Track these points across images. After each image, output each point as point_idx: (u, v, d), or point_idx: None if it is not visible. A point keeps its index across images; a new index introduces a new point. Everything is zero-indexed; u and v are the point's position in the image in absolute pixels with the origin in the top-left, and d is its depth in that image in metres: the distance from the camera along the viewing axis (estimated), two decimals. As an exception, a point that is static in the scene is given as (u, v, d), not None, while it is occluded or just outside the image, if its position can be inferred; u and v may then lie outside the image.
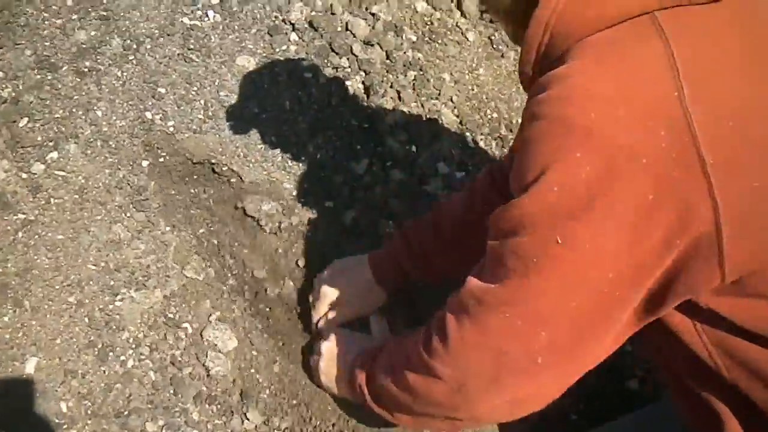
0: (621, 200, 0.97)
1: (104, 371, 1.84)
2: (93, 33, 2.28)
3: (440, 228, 1.77)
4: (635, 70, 0.99)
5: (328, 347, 1.75)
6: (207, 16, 2.36)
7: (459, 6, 2.53)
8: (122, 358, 1.87)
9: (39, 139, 2.10)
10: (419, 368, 1.28)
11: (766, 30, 1.06)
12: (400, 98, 2.30)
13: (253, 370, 1.91)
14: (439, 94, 2.34)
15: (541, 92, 1.04)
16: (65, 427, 1.75)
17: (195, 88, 2.24)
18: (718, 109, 0.97)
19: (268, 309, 2.03)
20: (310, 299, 1.93)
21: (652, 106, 0.96)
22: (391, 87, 2.31)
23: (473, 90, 2.40)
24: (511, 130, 2.34)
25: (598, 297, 1.05)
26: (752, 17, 1.07)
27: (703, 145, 0.94)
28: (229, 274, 2.06)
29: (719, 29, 1.03)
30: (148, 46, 2.29)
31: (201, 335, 1.92)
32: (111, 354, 1.87)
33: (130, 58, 2.26)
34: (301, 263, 2.07)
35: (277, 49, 2.33)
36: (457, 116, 2.33)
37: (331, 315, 1.86)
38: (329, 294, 1.87)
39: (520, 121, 2.24)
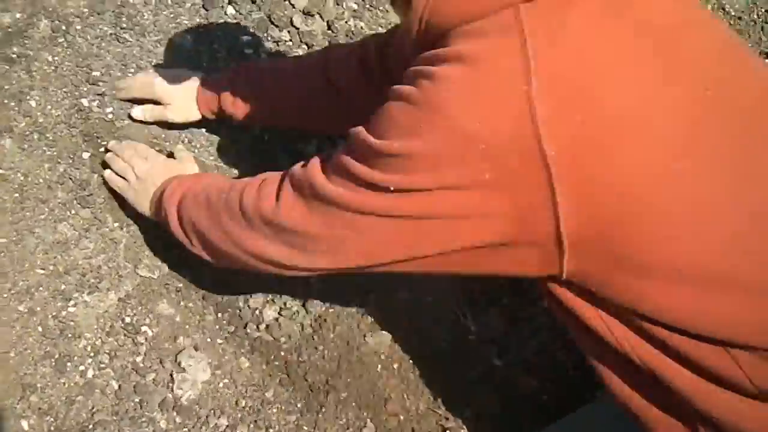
0: (454, 175, 1.06)
1: (64, 383, 1.81)
2: (18, 15, 2.16)
3: (282, 74, 1.92)
4: (490, 63, 1.05)
5: (144, 169, 1.85)
6: (138, -9, 2.26)
7: (398, -31, 2.47)
8: (81, 368, 1.83)
9: (-30, 134, 2.00)
10: (240, 214, 1.41)
11: (637, 16, 1.12)
12: (343, 70, 2.24)
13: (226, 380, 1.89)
14: (383, 64, 2.30)
15: (426, 62, 1.14)
16: (29, 446, 1.72)
17: (131, 71, 2.15)
18: (567, 104, 1.02)
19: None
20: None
21: (500, 99, 1.03)
22: (334, 59, 2.26)
23: (417, 58, 2.36)
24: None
25: (413, 236, 1.17)
26: (626, 5, 1.12)
27: (543, 137, 1.00)
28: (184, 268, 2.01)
29: (584, 21, 1.07)
30: (78, 27, 2.18)
31: (160, 338, 1.88)
32: (69, 364, 1.83)
33: (60, 40, 2.15)
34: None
35: (214, 23, 2.25)
36: (403, 86, 2.29)
37: (149, 110, 2.04)
38: (154, 87, 2.03)
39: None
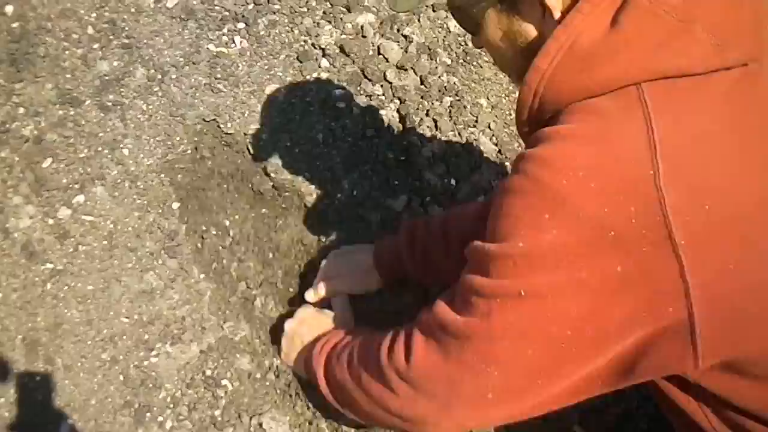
0: (586, 268, 1.00)
1: (142, 434, 1.80)
2: (116, 63, 2.21)
3: (447, 233, 1.76)
4: (614, 145, 1.01)
5: (291, 327, 1.77)
6: (233, 42, 2.29)
7: (494, 24, 2.45)
8: (160, 418, 1.83)
9: (64, 181, 2.04)
10: (377, 374, 1.31)
11: (763, 100, 1.08)
12: (436, 127, 2.23)
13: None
14: (477, 121, 2.28)
15: (530, 147, 1.10)
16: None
17: (223, 121, 2.16)
18: (694, 191, 0.98)
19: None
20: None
21: (626, 183, 0.98)
22: (427, 115, 2.25)
23: (511, 115, 2.33)
24: (551, 157, 2.28)
25: (556, 351, 1.08)
26: (751, 91, 1.08)
27: (674, 226, 0.96)
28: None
29: (708, 104, 1.04)
30: (174, 76, 2.22)
31: (240, 392, 1.87)
32: (148, 414, 1.83)
33: (155, 89, 2.20)
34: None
35: (308, 77, 2.26)
36: (496, 144, 2.27)
37: (321, 287, 1.87)
38: (326, 270, 1.89)
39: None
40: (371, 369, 1.33)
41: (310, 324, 1.74)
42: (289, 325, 1.77)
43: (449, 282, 1.53)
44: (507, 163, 2.24)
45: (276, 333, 1.90)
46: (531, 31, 1.19)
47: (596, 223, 0.98)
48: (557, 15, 1.12)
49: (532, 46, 1.18)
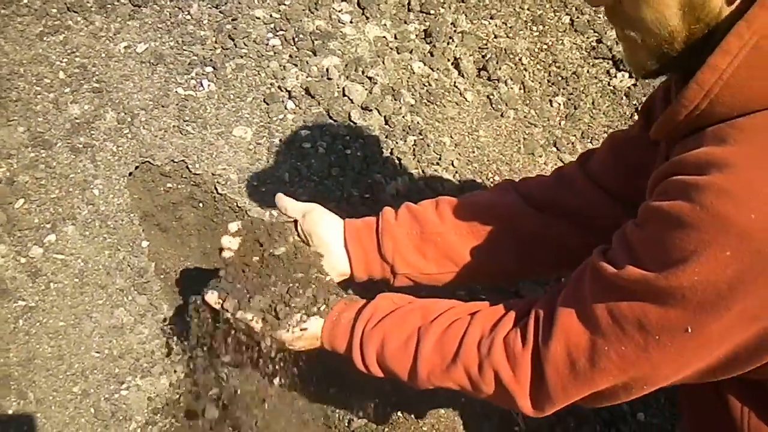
0: (760, 302, 1.00)
1: (113, 465, 1.91)
2: (86, 107, 2.34)
3: (480, 215, 1.65)
4: None
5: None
6: (201, 85, 2.43)
7: (456, 65, 2.61)
8: (130, 450, 1.94)
9: (36, 221, 2.16)
10: (501, 397, 1.32)
11: None
12: (400, 165, 2.37)
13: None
14: (440, 159, 2.42)
15: (696, 169, 1.04)
16: None
17: (191, 162, 2.29)
18: None
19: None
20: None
21: None
22: (391, 154, 2.39)
23: (474, 153, 2.47)
24: (513, 193, 2.41)
25: (708, 373, 1.13)
26: None
27: None
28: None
29: None
30: (143, 119, 2.35)
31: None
32: (119, 446, 1.93)
33: (125, 131, 2.33)
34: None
35: (274, 118, 2.40)
36: (459, 181, 2.41)
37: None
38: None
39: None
40: (470, 365, 1.32)
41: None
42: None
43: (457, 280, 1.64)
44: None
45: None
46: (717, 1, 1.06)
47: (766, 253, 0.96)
48: None
49: (710, 6, 1.06)
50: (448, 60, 2.63)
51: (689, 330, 1.04)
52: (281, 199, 1.70)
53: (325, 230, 1.66)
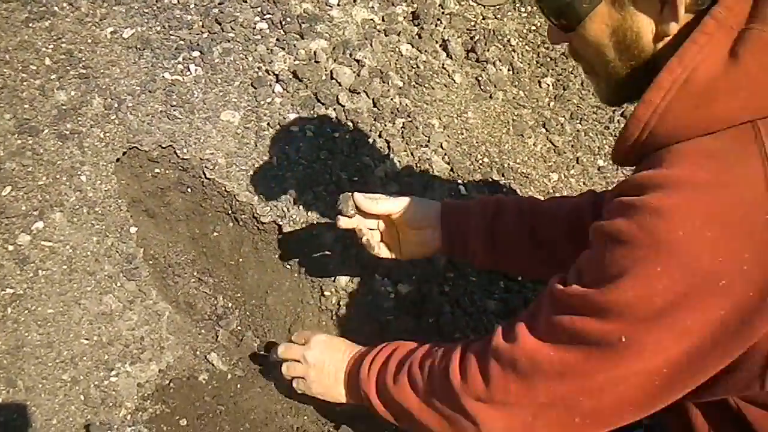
0: (691, 317, 1.06)
1: (103, 451, 1.92)
2: (73, 93, 2.34)
3: (534, 230, 1.76)
4: (730, 191, 1.03)
5: (315, 356, 1.78)
6: (189, 70, 2.43)
7: (444, 47, 2.61)
8: (120, 436, 1.94)
9: (23, 208, 2.16)
10: (451, 402, 1.38)
11: None
12: (389, 148, 2.37)
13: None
14: (429, 141, 2.42)
15: (635, 190, 1.12)
16: None
17: (179, 147, 2.29)
18: None
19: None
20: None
21: (742, 229, 1.01)
22: (379, 136, 2.39)
23: (463, 134, 2.48)
24: (503, 175, 2.42)
25: (649, 386, 1.15)
26: None
27: None
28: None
29: None
30: (130, 104, 2.35)
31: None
32: (109, 432, 1.94)
33: (112, 117, 2.32)
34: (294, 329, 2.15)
35: (262, 102, 2.40)
36: (448, 163, 2.41)
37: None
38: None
39: (511, 165, 2.33)
40: (442, 397, 1.40)
41: (330, 349, 1.79)
42: (313, 355, 1.78)
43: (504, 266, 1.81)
44: (459, 181, 2.38)
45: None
46: (645, 26, 1.15)
47: (709, 273, 1.02)
48: (682, 11, 1.09)
49: (641, 45, 1.17)
50: (437, 42, 2.63)
51: (623, 339, 1.11)
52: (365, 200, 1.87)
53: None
